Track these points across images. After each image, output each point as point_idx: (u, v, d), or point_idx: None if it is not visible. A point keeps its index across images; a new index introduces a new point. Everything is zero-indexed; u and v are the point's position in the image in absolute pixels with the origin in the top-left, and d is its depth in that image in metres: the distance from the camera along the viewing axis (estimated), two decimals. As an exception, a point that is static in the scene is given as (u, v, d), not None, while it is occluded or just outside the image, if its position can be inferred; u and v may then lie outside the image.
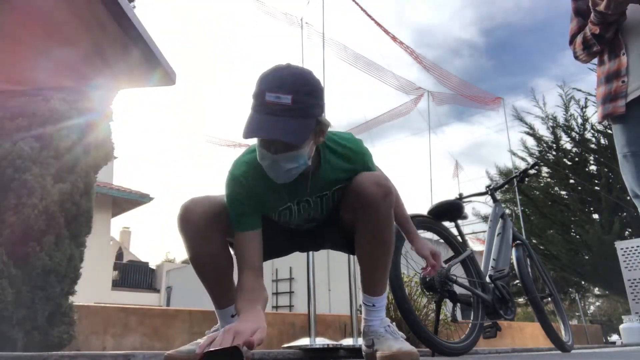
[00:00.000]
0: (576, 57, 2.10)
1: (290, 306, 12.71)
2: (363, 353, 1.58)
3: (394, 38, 9.74)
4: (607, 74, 1.97)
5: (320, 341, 2.88)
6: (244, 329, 1.11)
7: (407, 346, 1.44)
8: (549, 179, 12.20)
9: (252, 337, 1.09)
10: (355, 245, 1.55)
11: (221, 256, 1.52)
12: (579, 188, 11.43)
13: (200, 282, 1.56)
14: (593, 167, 11.73)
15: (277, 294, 13.11)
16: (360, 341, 1.61)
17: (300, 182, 1.42)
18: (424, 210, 2.68)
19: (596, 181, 11.34)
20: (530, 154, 12.38)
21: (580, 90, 11.83)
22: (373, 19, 9.36)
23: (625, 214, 10.85)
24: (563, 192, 11.98)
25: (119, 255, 19.79)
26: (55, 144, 2.49)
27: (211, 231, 1.45)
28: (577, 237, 11.28)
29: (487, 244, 2.93)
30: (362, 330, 1.57)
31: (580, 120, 11.74)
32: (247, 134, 1.23)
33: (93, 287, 8.93)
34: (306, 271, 3.15)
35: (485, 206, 15.33)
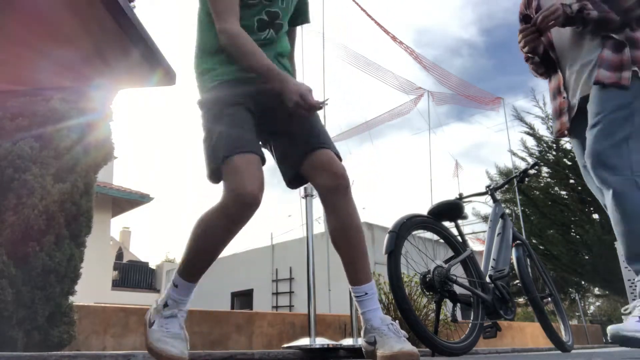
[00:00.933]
0: (535, 76, 2.25)
1: (291, 306, 12.70)
2: (363, 350, 1.55)
3: (394, 38, 9.75)
4: (553, 91, 2.08)
5: (320, 341, 2.87)
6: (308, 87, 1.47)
7: (409, 346, 1.42)
8: (549, 179, 12.19)
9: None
10: (332, 240, 1.59)
11: (223, 245, 1.55)
12: (579, 188, 11.41)
13: (189, 253, 1.54)
14: (593, 167, 11.71)
15: (277, 294, 13.09)
16: (360, 341, 1.60)
17: None
18: (424, 210, 2.69)
19: (596, 181, 11.32)
20: (530, 154, 12.40)
21: (580, 90, 11.82)
22: (373, 19, 9.38)
23: (625, 214, 10.83)
24: (563, 192, 11.97)
25: (119, 255, 19.80)
26: (55, 144, 2.49)
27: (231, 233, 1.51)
28: (577, 237, 11.28)
29: (487, 244, 2.92)
30: (363, 327, 1.55)
31: (580, 120, 11.74)
32: None
33: (93, 287, 8.93)
34: (306, 271, 3.15)
35: (485, 206, 15.33)
